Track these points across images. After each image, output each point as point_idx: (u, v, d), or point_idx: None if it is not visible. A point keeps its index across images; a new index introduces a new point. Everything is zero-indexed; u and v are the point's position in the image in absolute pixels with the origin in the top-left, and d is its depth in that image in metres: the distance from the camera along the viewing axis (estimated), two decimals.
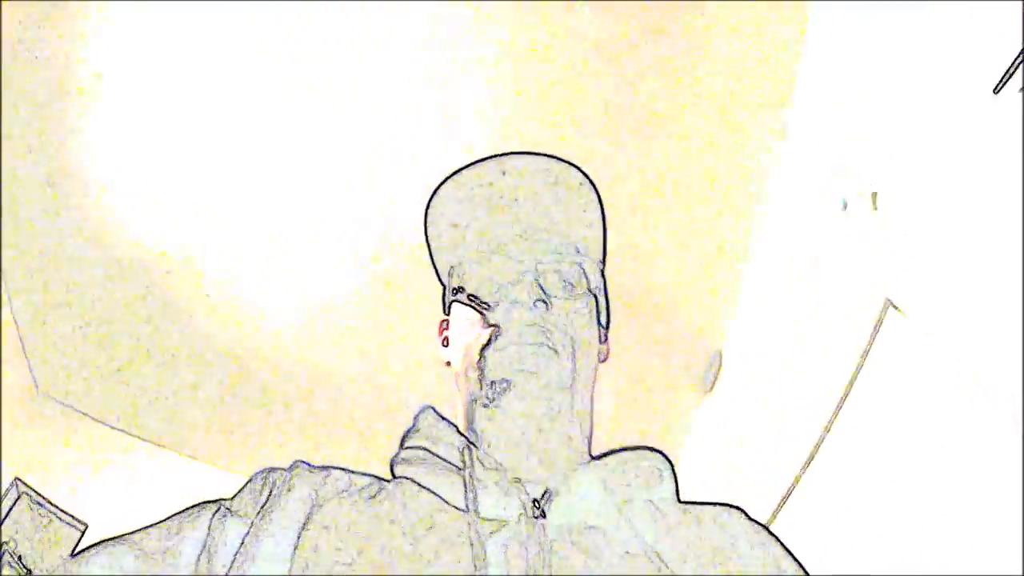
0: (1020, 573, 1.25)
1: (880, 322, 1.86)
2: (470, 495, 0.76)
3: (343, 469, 0.82)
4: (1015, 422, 1.34)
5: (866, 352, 1.90)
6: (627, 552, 0.73)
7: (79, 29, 2.30)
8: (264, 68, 2.37)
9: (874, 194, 1.86)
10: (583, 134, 2.34)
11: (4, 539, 1.89)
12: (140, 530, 0.75)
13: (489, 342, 0.83)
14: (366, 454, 2.94)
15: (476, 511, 0.74)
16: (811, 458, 2.04)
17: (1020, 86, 1.30)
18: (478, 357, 0.84)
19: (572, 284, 0.88)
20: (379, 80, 2.36)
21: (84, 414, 2.63)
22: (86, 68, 2.34)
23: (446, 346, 0.93)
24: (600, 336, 0.92)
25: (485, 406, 0.83)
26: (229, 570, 0.71)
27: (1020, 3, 1.29)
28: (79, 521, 2.12)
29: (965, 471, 1.50)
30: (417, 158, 2.35)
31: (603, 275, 0.93)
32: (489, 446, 0.82)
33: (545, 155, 0.93)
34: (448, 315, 0.93)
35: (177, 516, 0.77)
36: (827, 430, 2.02)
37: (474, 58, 2.27)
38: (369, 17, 2.28)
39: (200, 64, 2.36)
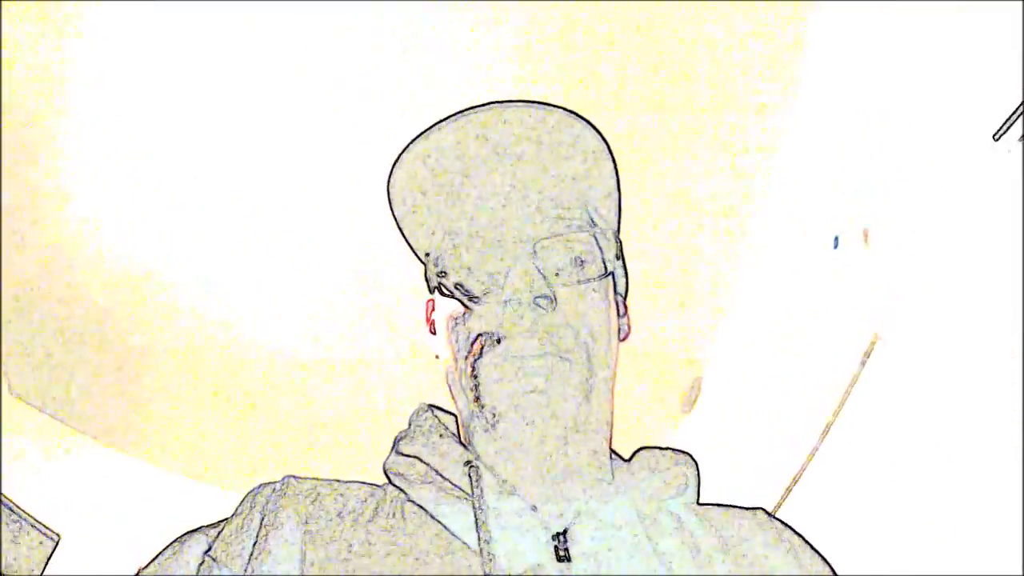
0: (1020, 573, 1.24)
1: (867, 356, 1.90)
2: (482, 531, 0.64)
3: (336, 481, 0.72)
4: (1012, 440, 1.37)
5: (852, 385, 1.94)
6: None
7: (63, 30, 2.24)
8: (259, 78, 2.32)
9: (866, 231, 1.92)
10: None
11: None
12: None
13: (482, 353, 0.68)
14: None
15: (490, 554, 0.63)
16: (799, 477, 2.07)
17: (1020, 135, 1.37)
18: (470, 370, 0.69)
19: (583, 261, 0.71)
20: (374, 88, 2.32)
21: (58, 419, 2.55)
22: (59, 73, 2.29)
23: (434, 333, 0.77)
24: (619, 309, 0.77)
25: (485, 430, 0.69)
26: None
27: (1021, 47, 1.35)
28: (52, 531, 2.05)
29: (962, 487, 1.52)
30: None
31: (618, 238, 0.78)
32: (495, 469, 0.69)
33: (550, 105, 0.75)
34: (433, 295, 0.77)
35: (160, 559, 0.68)
36: (810, 459, 2.05)
37: (474, 55, 2.23)
38: (358, 20, 2.22)
39: (186, 70, 2.29)
